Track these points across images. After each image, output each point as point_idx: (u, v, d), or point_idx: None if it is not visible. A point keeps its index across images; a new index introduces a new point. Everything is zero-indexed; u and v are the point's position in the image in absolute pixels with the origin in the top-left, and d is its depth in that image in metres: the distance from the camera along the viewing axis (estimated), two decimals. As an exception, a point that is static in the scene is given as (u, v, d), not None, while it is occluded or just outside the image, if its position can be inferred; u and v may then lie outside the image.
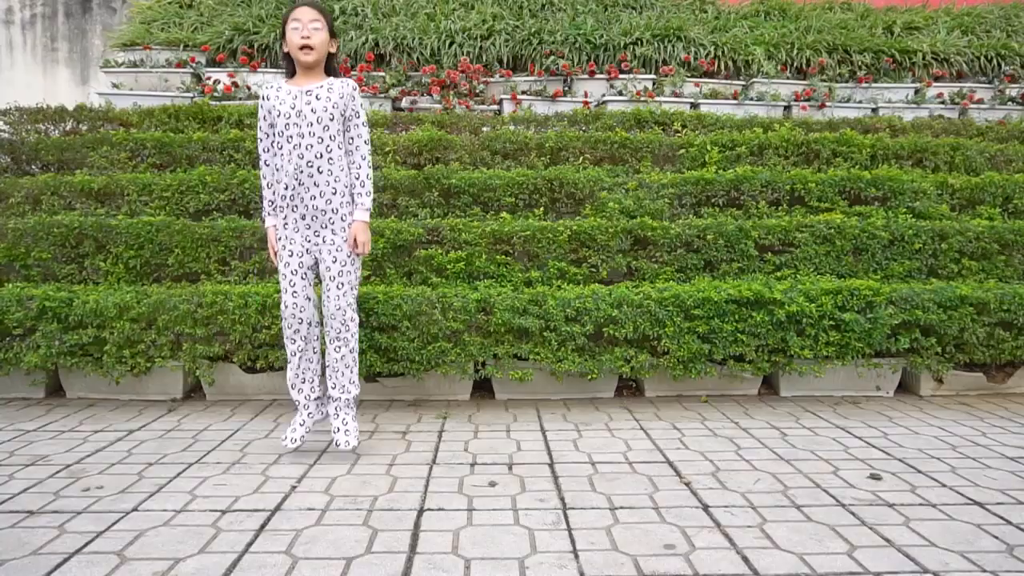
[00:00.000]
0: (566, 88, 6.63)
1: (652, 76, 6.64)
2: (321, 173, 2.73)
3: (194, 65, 6.52)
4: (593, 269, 4.14)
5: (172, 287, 3.93)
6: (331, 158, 2.74)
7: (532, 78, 6.61)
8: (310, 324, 2.82)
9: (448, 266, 4.04)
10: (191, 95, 6.23)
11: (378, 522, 2.26)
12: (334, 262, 2.75)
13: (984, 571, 1.95)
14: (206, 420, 3.47)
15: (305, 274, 2.79)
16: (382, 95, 6.24)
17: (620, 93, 6.48)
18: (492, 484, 2.60)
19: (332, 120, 2.73)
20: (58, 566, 1.97)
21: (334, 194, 2.76)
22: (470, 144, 5.09)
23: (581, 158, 5.12)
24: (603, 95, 6.51)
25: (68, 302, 3.65)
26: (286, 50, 2.78)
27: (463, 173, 4.62)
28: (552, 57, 6.66)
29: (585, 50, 6.75)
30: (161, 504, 2.41)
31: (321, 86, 2.76)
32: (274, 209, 2.87)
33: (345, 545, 2.10)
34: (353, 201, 2.81)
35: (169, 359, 3.71)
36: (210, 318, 3.64)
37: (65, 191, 4.57)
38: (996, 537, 2.16)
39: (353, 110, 2.79)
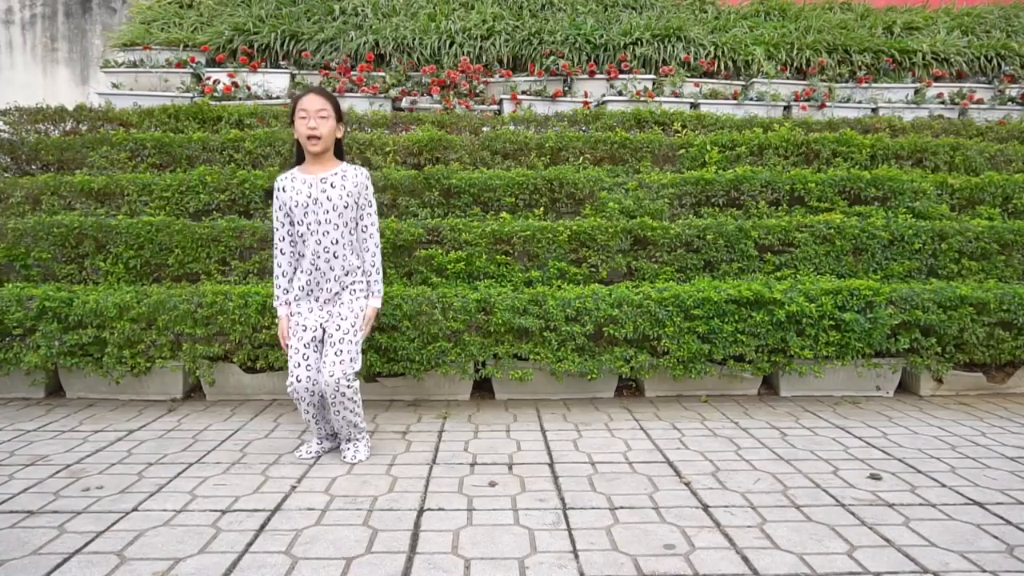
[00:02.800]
0: (566, 88, 6.63)
1: (652, 76, 6.64)
2: (337, 258, 2.79)
3: (194, 65, 6.52)
4: (593, 269, 4.14)
5: (172, 287, 3.93)
6: (344, 244, 2.80)
7: (532, 78, 6.61)
8: (320, 396, 2.79)
9: (448, 266, 4.04)
10: (191, 95, 6.23)
11: (378, 522, 2.26)
12: (336, 329, 2.75)
13: (984, 571, 1.95)
14: (206, 420, 3.47)
15: (317, 347, 2.78)
16: (382, 95, 6.24)
17: (620, 93, 6.48)
18: (492, 484, 2.60)
19: (347, 208, 2.78)
20: (58, 566, 1.97)
21: (345, 275, 2.82)
22: (470, 144, 5.09)
23: (581, 158, 5.12)
24: (603, 95, 6.51)
25: (68, 302, 3.65)
26: (295, 137, 2.82)
27: (463, 173, 4.62)
28: (552, 57, 6.66)
29: (585, 50, 6.75)
30: (161, 504, 2.41)
31: (335, 173, 2.80)
32: (288, 299, 2.87)
33: (345, 545, 2.10)
34: (360, 279, 2.85)
35: (169, 359, 3.71)
36: (210, 318, 3.64)
37: (65, 191, 4.57)
38: (996, 537, 2.16)
39: (366, 199, 2.85)
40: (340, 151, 2.90)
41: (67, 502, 2.43)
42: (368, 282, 2.89)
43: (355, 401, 2.77)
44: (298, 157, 2.89)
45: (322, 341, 2.80)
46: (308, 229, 2.76)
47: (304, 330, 2.77)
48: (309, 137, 2.72)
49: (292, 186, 2.80)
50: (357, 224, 2.85)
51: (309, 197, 2.76)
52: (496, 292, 3.73)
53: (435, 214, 4.58)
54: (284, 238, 2.85)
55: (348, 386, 2.71)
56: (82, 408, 3.70)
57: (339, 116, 2.81)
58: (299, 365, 2.73)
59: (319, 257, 2.77)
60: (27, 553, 2.05)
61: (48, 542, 2.12)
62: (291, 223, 2.82)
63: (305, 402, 2.77)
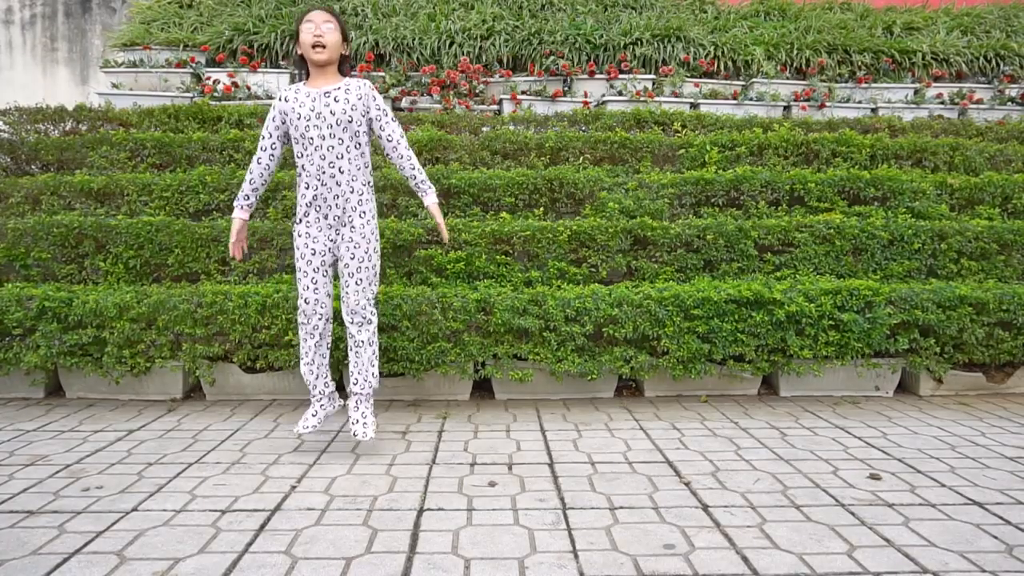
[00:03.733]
0: (566, 88, 6.64)
1: (652, 76, 6.64)
2: (342, 172, 2.77)
3: (194, 65, 6.52)
4: (593, 269, 4.15)
5: (172, 287, 3.93)
6: (350, 158, 2.77)
7: (532, 78, 6.61)
8: (327, 320, 2.84)
9: (448, 266, 4.04)
10: (191, 95, 6.23)
11: (378, 522, 2.26)
12: (352, 259, 2.77)
13: (984, 571, 1.95)
14: (206, 420, 3.47)
15: (327, 271, 2.82)
16: (382, 95, 6.24)
17: (620, 93, 6.49)
18: (492, 484, 2.60)
19: (351, 121, 2.76)
20: (58, 566, 1.97)
21: (352, 192, 2.79)
22: (470, 144, 5.09)
23: (581, 158, 5.12)
24: (603, 95, 6.51)
25: (68, 302, 3.65)
26: (299, 52, 2.80)
27: (463, 173, 4.62)
28: (552, 57, 6.66)
29: (585, 50, 6.75)
30: (161, 504, 2.41)
31: (339, 87, 2.79)
32: (248, 204, 2.89)
33: (345, 545, 2.10)
34: (370, 199, 2.85)
35: (169, 359, 3.71)
36: (210, 318, 3.64)
37: (65, 191, 4.57)
38: (995, 537, 2.16)
39: (378, 108, 2.82)
40: (345, 72, 2.89)
41: (67, 502, 2.43)
42: (415, 186, 2.86)
43: (376, 334, 2.82)
44: (304, 73, 2.87)
45: (332, 265, 2.83)
46: (311, 144, 2.74)
47: (314, 254, 2.78)
48: (314, 45, 2.71)
49: (295, 98, 2.78)
50: (367, 138, 2.82)
51: (312, 111, 2.74)
52: (496, 292, 3.73)
53: (435, 214, 4.57)
54: (267, 148, 2.84)
55: (372, 312, 2.77)
56: (82, 408, 3.70)
57: (344, 35, 2.81)
58: (308, 288, 2.77)
59: (324, 172, 2.75)
60: (27, 553, 2.05)
61: (48, 542, 2.12)
62: (285, 135, 2.82)
63: (311, 324, 2.79)
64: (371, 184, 2.87)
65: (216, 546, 2.09)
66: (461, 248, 4.11)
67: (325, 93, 2.76)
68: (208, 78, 6.41)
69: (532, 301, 3.67)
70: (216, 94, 6.23)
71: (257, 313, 3.60)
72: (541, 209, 4.56)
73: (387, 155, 2.87)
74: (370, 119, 2.82)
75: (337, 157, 2.75)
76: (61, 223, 4.13)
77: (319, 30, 2.71)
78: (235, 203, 2.90)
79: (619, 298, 3.65)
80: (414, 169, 2.85)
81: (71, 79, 9.50)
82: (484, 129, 5.40)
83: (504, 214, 4.31)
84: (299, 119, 2.75)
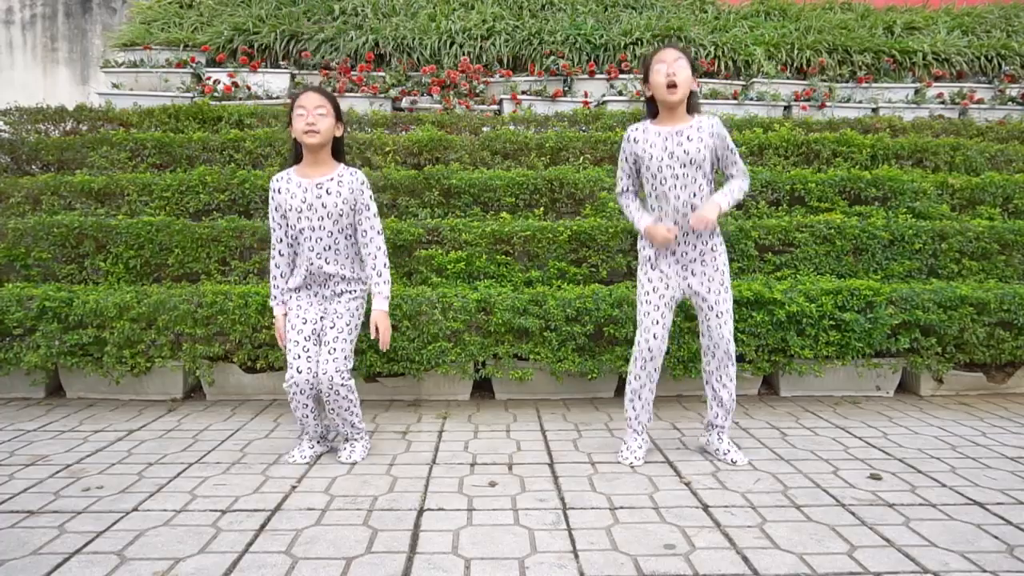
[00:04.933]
0: (566, 88, 6.63)
1: (652, 76, 6.63)
2: (329, 264, 2.78)
3: (194, 65, 6.53)
4: (593, 269, 4.14)
5: (172, 287, 3.93)
6: (338, 249, 2.78)
7: (532, 78, 6.61)
8: (318, 391, 2.76)
9: (448, 266, 4.04)
10: (191, 95, 6.24)
11: (378, 522, 2.26)
12: (331, 327, 2.74)
13: (984, 571, 1.95)
14: (206, 420, 3.47)
15: (316, 340, 2.75)
16: (382, 95, 6.24)
17: (620, 93, 6.48)
18: (492, 484, 2.60)
19: (342, 215, 2.75)
20: (58, 566, 1.97)
21: (342, 280, 2.81)
22: (470, 144, 5.09)
23: (581, 158, 5.12)
24: (603, 95, 6.51)
25: (68, 302, 3.65)
26: (293, 136, 2.76)
27: (463, 173, 4.62)
28: (552, 57, 6.66)
29: (585, 50, 6.75)
30: (161, 504, 2.41)
31: (331, 179, 2.76)
32: (285, 299, 2.85)
33: (345, 545, 2.10)
34: (360, 280, 2.84)
35: (169, 359, 3.71)
36: (210, 318, 3.64)
37: (65, 191, 4.57)
38: (996, 537, 2.16)
39: (363, 203, 2.78)
40: (340, 152, 2.87)
41: (67, 502, 2.43)
42: (372, 284, 2.78)
43: (351, 400, 2.75)
44: (295, 158, 2.84)
45: (320, 337, 2.78)
46: (302, 235, 2.75)
47: (304, 323, 2.75)
48: (306, 132, 2.66)
49: (287, 188, 2.77)
50: (355, 230, 2.80)
51: (303, 202, 2.73)
52: (496, 292, 3.73)
53: (435, 214, 4.58)
54: (282, 239, 2.83)
55: (343, 384, 2.70)
56: (82, 408, 3.70)
57: (338, 115, 2.78)
58: (299, 357, 2.71)
59: (312, 263, 2.76)
60: (27, 553, 2.05)
61: (48, 542, 2.12)
62: (288, 226, 2.80)
63: (305, 395, 2.72)
64: (362, 270, 2.86)
65: (216, 546, 2.09)
66: (461, 248, 4.11)
67: (317, 184, 2.74)
68: (208, 78, 6.41)
69: (532, 301, 3.66)
70: (216, 94, 6.24)
71: (257, 313, 3.60)
72: (541, 209, 4.56)
73: (356, 244, 2.83)
74: (356, 210, 2.79)
75: (325, 248, 2.76)
76: (61, 223, 4.13)
77: (311, 117, 2.67)
78: (272, 301, 2.86)
79: (619, 298, 3.64)
80: (375, 269, 2.76)
81: (71, 79, 9.51)
82: (484, 129, 5.40)
83: (504, 214, 4.31)
84: (290, 210, 2.75)
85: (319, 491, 2.53)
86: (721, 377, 2.79)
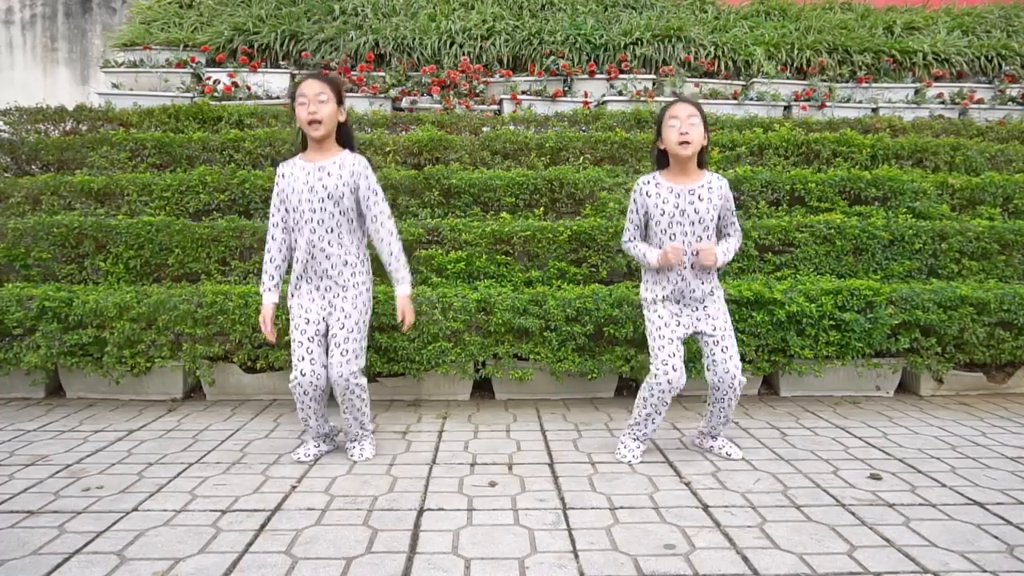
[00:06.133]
0: (566, 88, 6.63)
1: (652, 76, 6.64)
2: (331, 247, 2.75)
3: (194, 65, 6.53)
4: (593, 269, 4.14)
5: (172, 287, 3.93)
6: (341, 233, 2.75)
7: (532, 78, 6.61)
8: (323, 391, 2.76)
9: (448, 266, 4.04)
10: (191, 95, 6.23)
11: (378, 522, 2.26)
12: (341, 328, 2.72)
13: (984, 571, 1.95)
14: (206, 420, 3.47)
15: (321, 340, 2.75)
16: (382, 95, 6.24)
17: (620, 93, 6.48)
18: (492, 484, 2.60)
19: (343, 198, 2.74)
20: (58, 566, 1.97)
21: (345, 265, 2.76)
22: (470, 144, 5.09)
23: (581, 158, 5.12)
24: (603, 95, 6.51)
25: (68, 302, 3.65)
26: (298, 125, 2.77)
27: (463, 173, 4.62)
28: (552, 57, 6.66)
29: (585, 50, 6.75)
30: (161, 504, 2.41)
31: (333, 162, 2.76)
32: (274, 285, 2.84)
33: (345, 545, 2.10)
34: (365, 271, 2.82)
35: (169, 359, 3.71)
36: (210, 318, 3.64)
37: (65, 191, 4.57)
38: (996, 537, 2.16)
39: (369, 187, 2.77)
40: (348, 137, 2.86)
41: (67, 502, 2.43)
42: (389, 272, 2.80)
43: (363, 400, 2.77)
44: (303, 144, 2.85)
45: (326, 335, 2.78)
46: (303, 217, 2.74)
47: (307, 323, 2.75)
48: (310, 122, 2.69)
49: (291, 172, 2.78)
50: (358, 215, 2.80)
51: (305, 184, 2.73)
52: (496, 292, 3.73)
53: (435, 214, 4.58)
54: (277, 224, 2.82)
55: (357, 384, 2.71)
56: (82, 408, 3.70)
57: (340, 99, 2.77)
58: (303, 359, 2.71)
59: (314, 246, 2.74)
60: (27, 553, 2.05)
61: (48, 542, 2.12)
62: (287, 210, 2.79)
63: (309, 396, 2.72)
64: (366, 258, 2.84)
65: (216, 546, 2.09)
66: (461, 248, 4.11)
67: (319, 168, 2.75)
68: (208, 78, 6.41)
69: (532, 301, 3.66)
70: (216, 94, 6.23)
71: (257, 313, 3.60)
72: (541, 209, 4.56)
73: (368, 233, 2.83)
74: (359, 195, 2.77)
75: (327, 231, 2.74)
76: (61, 223, 4.13)
77: (312, 106, 2.67)
78: (262, 287, 2.84)
79: (619, 298, 3.64)
80: (391, 256, 2.78)
81: (71, 79, 9.50)
82: (484, 129, 5.40)
83: (504, 214, 4.31)
84: (293, 192, 2.75)
85: (319, 491, 2.53)
86: (725, 410, 2.82)
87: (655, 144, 2.83)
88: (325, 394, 2.80)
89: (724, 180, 2.80)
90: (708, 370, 2.79)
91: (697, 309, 2.80)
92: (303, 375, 2.69)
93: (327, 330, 2.77)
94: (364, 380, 2.75)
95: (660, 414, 2.79)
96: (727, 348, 2.75)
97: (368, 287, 2.83)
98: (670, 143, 2.70)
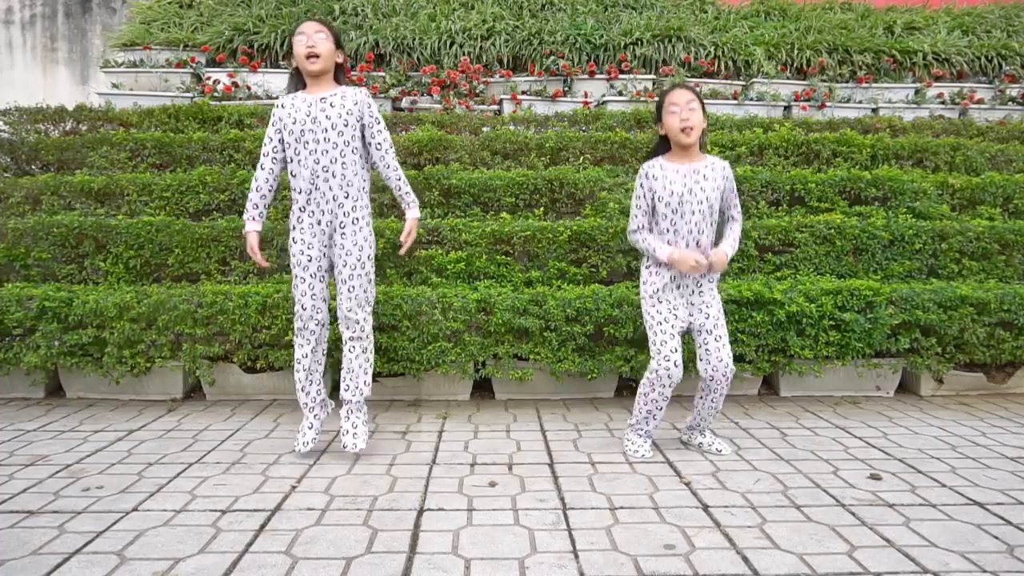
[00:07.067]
0: (566, 88, 6.63)
1: (652, 76, 6.64)
2: (335, 177, 2.76)
3: (194, 65, 6.52)
4: (593, 269, 4.14)
5: (172, 287, 3.93)
6: (344, 163, 2.77)
7: (532, 78, 6.61)
8: (324, 326, 2.85)
9: (448, 266, 4.04)
10: (191, 95, 6.23)
11: (378, 522, 2.26)
12: (344, 266, 2.77)
13: (984, 571, 1.95)
14: (206, 420, 3.47)
15: (323, 276, 2.82)
16: (382, 95, 6.24)
17: (620, 93, 6.48)
18: (492, 484, 2.60)
19: (347, 126, 2.77)
20: (58, 566, 1.97)
21: (346, 198, 2.78)
22: (470, 144, 5.09)
23: (581, 158, 5.12)
24: (603, 95, 6.51)
25: (68, 302, 3.65)
26: (295, 65, 2.81)
27: (463, 173, 4.62)
28: (552, 57, 6.66)
29: (585, 50, 6.75)
30: (161, 504, 2.41)
31: (335, 94, 2.80)
32: (258, 214, 2.87)
33: (345, 545, 2.10)
34: (364, 206, 2.85)
35: (169, 359, 3.71)
36: (210, 318, 3.64)
37: (65, 191, 4.57)
38: (996, 537, 2.16)
39: (371, 116, 2.82)
40: (341, 80, 2.89)
41: (67, 502, 2.43)
42: (399, 197, 2.88)
43: (370, 339, 2.82)
44: (295, 87, 2.88)
45: (329, 270, 2.83)
46: (305, 148, 2.75)
47: (309, 260, 2.78)
48: (308, 56, 2.72)
49: (292, 103, 2.80)
50: (362, 144, 2.83)
51: (308, 116, 2.75)
52: (496, 292, 3.73)
53: (435, 214, 4.58)
54: (268, 154, 2.83)
55: (365, 319, 2.77)
56: (82, 408, 3.70)
57: (338, 42, 2.82)
58: (304, 294, 2.78)
59: (317, 176, 2.75)
60: (27, 553, 2.05)
61: (48, 542, 2.12)
62: (283, 141, 2.81)
63: (308, 330, 2.79)
64: (367, 191, 2.86)
65: (216, 546, 2.09)
66: (461, 248, 4.11)
67: (321, 99, 2.78)
68: (208, 78, 6.41)
69: (532, 301, 3.66)
70: (216, 94, 6.23)
71: (257, 313, 3.60)
72: (541, 209, 4.56)
73: (374, 162, 2.87)
74: (363, 125, 2.82)
75: (331, 161, 2.75)
76: (61, 223, 4.13)
77: (311, 40, 2.72)
78: (245, 216, 2.87)
79: (619, 298, 3.64)
80: (399, 180, 2.87)
81: (71, 79, 9.50)
82: (484, 129, 5.40)
83: (504, 214, 4.31)
84: (294, 123, 2.76)
85: (319, 491, 2.53)
86: (716, 400, 2.85)
87: (655, 130, 2.87)
88: (326, 331, 2.86)
89: (726, 162, 2.87)
90: (701, 360, 2.81)
91: (693, 293, 2.84)
92: (303, 309, 2.76)
93: (329, 265, 2.82)
94: (371, 319, 2.80)
95: (661, 409, 2.82)
96: (720, 337, 2.79)
97: (369, 222, 2.85)
98: (672, 130, 2.76)
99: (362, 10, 7.08)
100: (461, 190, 4.55)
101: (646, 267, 2.88)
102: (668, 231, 2.82)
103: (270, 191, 2.87)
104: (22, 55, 9.48)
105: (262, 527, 2.22)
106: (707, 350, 2.79)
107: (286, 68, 6.62)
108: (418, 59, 6.68)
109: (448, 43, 6.70)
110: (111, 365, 3.65)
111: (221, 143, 5.02)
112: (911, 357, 3.89)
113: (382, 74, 6.49)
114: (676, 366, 2.72)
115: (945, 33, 7.36)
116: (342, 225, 2.79)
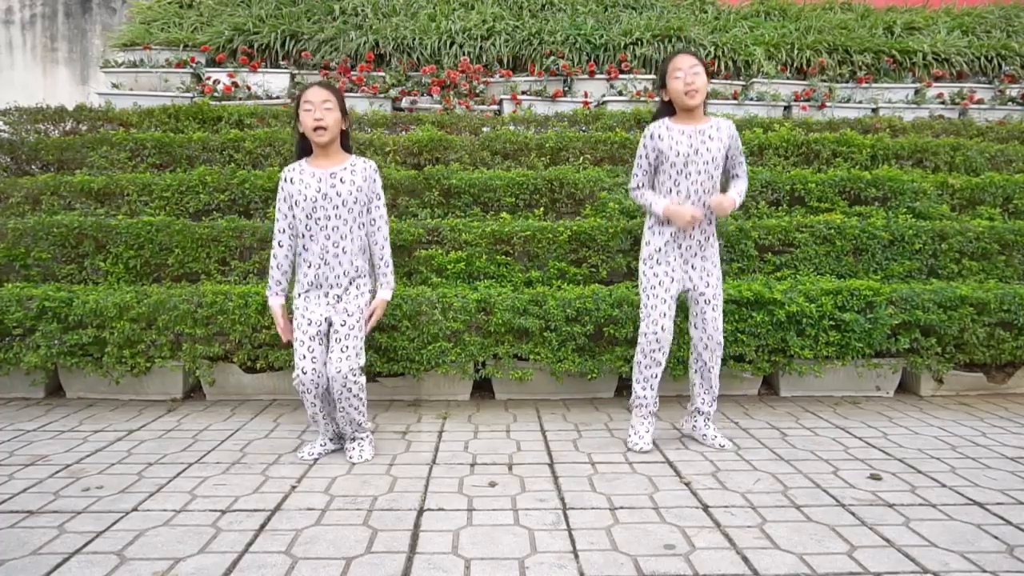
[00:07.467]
0: (566, 88, 6.63)
1: (652, 76, 6.64)
2: (345, 253, 2.79)
3: (194, 65, 6.52)
4: (593, 269, 4.14)
5: (172, 287, 3.93)
6: (352, 237, 2.81)
7: (532, 78, 6.60)
8: (326, 389, 2.79)
9: (448, 266, 4.04)
10: (191, 95, 6.23)
11: (378, 522, 2.26)
12: (342, 325, 2.75)
13: (984, 571, 1.95)
14: (206, 420, 3.47)
15: (322, 340, 2.78)
16: (382, 95, 6.24)
17: (620, 93, 6.48)
18: (492, 484, 2.60)
19: (356, 203, 2.80)
20: (58, 566, 1.97)
21: (355, 272, 2.83)
22: (470, 144, 5.09)
23: (581, 158, 5.12)
24: (603, 95, 6.51)
25: (68, 302, 3.65)
26: (301, 131, 2.81)
27: (463, 173, 4.62)
28: (552, 57, 6.66)
29: (585, 50, 6.75)
30: (161, 504, 2.41)
31: (345, 168, 2.81)
32: (281, 290, 2.86)
33: (345, 545, 2.10)
34: (366, 274, 2.87)
35: (169, 359, 3.71)
36: (210, 318, 3.64)
37: (65, 191, 4.57)
38: (996, 537, 2.16)
39: (375, 192, 2.85)
40: (347, 144, 2.91)
41: (67, 502, 2.43)
42: (376, 275, 2.90)
43: (360, 398, 2.77)
44: (299, 152, 2.88)
45: (327, 335, 2.80)
46: (317, 224, 2.76)
47: (309, 324, 2.76)
48: (315, 128, 2.72)
49: (300, 179, 2.79)
50: (367, 218, 2.85)
51: (318, 192, 2.76)
52: (496, 292, 3.73)
53: (435, 214, 4.58)
54: (284, 230, 2.83)
55: (355, 381, 2.72)
56: (82, 408, 3.69)
57: (343, 109, 2.82)
58: (304, 358, 2.73)
59: (327, 252, 2.77)
60: (27, 553, 2.05)
61: (48, 542, 2.12)
62: (295, 217, 2.80)
63: (311, 395, 2.75)
64: (368, 260, 2.89)
65: (216, 546, 2.09)
66: (461, 248, 4.11)
67: (331, 174, 2.78)
68: (208, 78, 6.41)
69: (532, 301, 3.66)
70: (216, 94, 6.23)
71: (257, 313, 3.60)
72: (541, 209, 4.56)
73: (365, 233, 2.86)
74: (368, 199, 2.85)
75: (341, 237, 2.78)
76: (61, 223, 4.13)
77: (318, 113, 2.72)
78: (268, 292, 2.86)
79: (619, 298, 3.64)
80: (384, 258, 2.88)
81: (71, 79, 9.50)
82: (484, 129, 5.40)
83: (504, 214, 4.31)
84: (305, 200, 2.76)
85: (319, 491, 2.53)
86: (712, 368, 2.92)
87: (659, 95, 2.95)
88: (329, 392, 2.82)
89: (730, 121, 2.92)
90: (695, 328, 2.86)
91: (696, 256, 2.87)
92: (304, 373, 2.72)
93: (328, 329, 2.80)
94: (363, 379, 2.76)
95: (656, 377, 2.89)
96: (717, 307, 2.86)
97: (370, 287, 2.88)
98: (676, 94, 2.82)
99: (362, 10, 7.08)
100: (461, 190, 4.55)
101: (648, 227, 2.92)
102: (672, 191, 2.85)
103: (291, 267, 2.88)
104: (22, 55, 9.48)
105: (262, 527, 2.22)
106: (704, 319, 2.84)
107: (286, 68, 6.62)
108: (418, 59, 6.68)
109: (448, 43, 6.70)
110: (111, 365, 3.65)
111: (221, 143, 5.02)
112: (911, 357, 3.89)
113: (382, 74, 6.49)
114: (664, 330, 2.78)
115: (945, 33, 7.36)
116: (346, 291, 2.82)
